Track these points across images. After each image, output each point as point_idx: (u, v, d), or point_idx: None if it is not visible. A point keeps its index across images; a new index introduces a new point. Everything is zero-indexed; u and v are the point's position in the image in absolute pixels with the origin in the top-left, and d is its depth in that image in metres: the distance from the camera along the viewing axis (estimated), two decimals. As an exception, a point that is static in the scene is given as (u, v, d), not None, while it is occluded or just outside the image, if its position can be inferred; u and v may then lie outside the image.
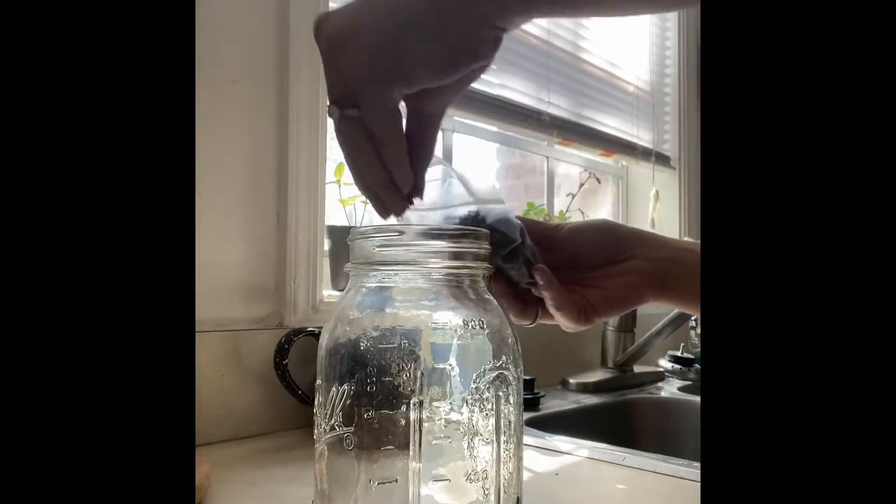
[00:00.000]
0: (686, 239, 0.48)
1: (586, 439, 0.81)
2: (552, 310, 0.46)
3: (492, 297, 0.43)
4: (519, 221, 0.46)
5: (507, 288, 0.46)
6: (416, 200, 0.43)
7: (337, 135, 0.41)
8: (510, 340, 0.42)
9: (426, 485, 0.39)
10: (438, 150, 0.44)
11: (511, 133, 1.34)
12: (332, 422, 0.40)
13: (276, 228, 0.84)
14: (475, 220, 0.45)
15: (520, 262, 0.45)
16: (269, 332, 0.80)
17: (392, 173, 0.41)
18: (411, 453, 0.39)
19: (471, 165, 1.37)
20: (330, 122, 0.41)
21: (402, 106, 0.41)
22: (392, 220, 0.43)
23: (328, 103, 0.40)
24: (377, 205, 0.43)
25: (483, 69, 0.41)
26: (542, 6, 0.39)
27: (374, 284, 0.42)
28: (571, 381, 1.16)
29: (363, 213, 0.97)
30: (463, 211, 0.45)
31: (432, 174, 0.45)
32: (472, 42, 0.38)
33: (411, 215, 0.44)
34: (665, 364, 1.35)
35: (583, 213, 1.45)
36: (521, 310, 0.47)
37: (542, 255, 0.46)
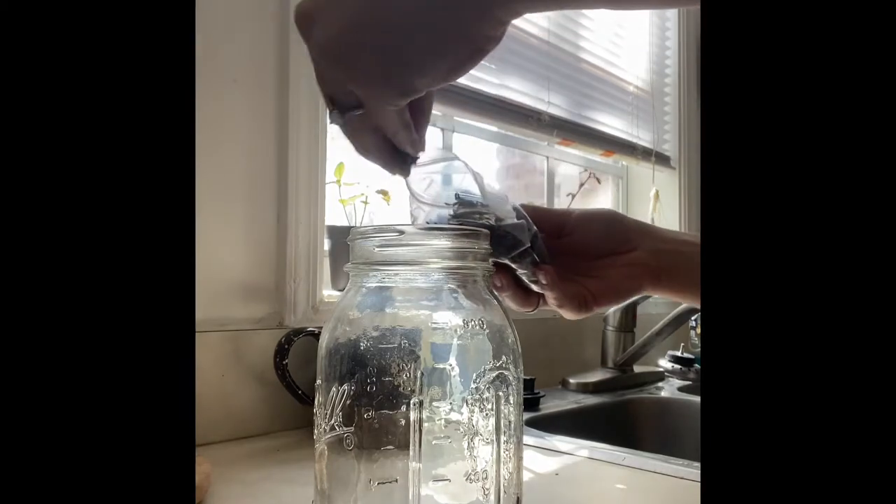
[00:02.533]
0: (688, 232, 0.50)
1: (586, 439, 0.81)
2: (553, 306, 0.48)
3: (492, 297, 0.44)
4: (529, 223, 0.47)
5: (510, 280, 0.48)
6: (424, 185, 0.46)
7: (343, 130, 0.42)
8: (510, 340, 0.42)
9: (426, 485, 0.39)
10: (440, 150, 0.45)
11: (511, 133, 1.33)
12: (332, 422, 0.40)
13: (276, 228, 0.84)
14: (489, 227, 0.46)
15: (527, 262, 0.47)
16: (269, 332, 0.80)
17: (403, 149, 0.43)
18: (411, 453, 0.39)
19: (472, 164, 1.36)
20: (328, 121, 0.42)
21: None
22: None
23: (329, 108, 0.40)
24: (386, 168, 0.45)
25: None
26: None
27: (374, 284, 0.42)
28: (571, 381, 1.16)
29: (363, 213, 0.97)
30: (481, 219, 0.47)
31: (446, 168, 0.47)
32: (478, 42, 0.36)
33: (421, 212, 0.46)
34: (665, 364, 1.35)
35: (583, 213, 1.45)
36: (524, 299, 0.49)
37: (551, 241, 0.48)
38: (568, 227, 0.50)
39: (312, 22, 0.37)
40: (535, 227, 0.47)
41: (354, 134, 0.42)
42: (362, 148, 0.43)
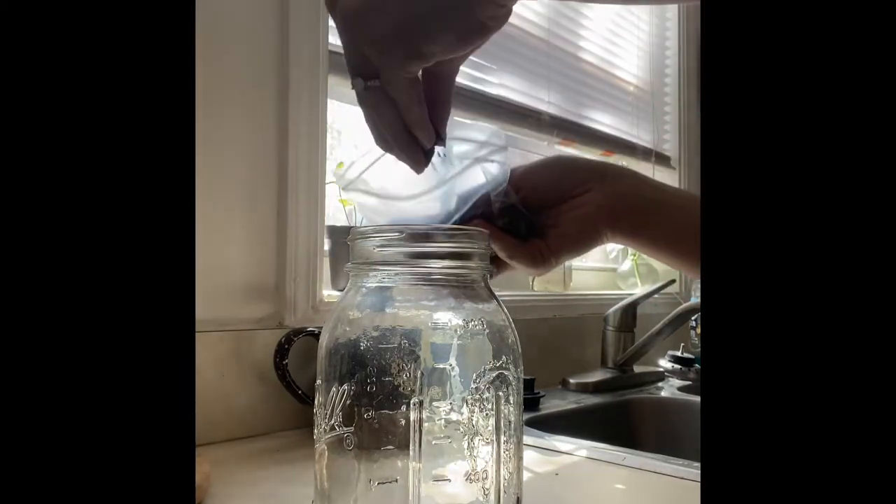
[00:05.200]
0: (670, 185, 0.49)
1: (586, 439, 0.81)
2: (507, 260, 0.48)
3: (492, 297, 0.43)
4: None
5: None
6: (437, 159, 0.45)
7: (360, 102, 0.42)
8: (510, 340, 0.42)
9: (426, 485, 0.39)
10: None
11: (511, 133, 1.33)
12: (332, 422, 0.40)
13: (276, 228, 0.84)
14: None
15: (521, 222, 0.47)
16: (269, 332, 0.80)
17: (416, 134, 0.42)
18: (411, 453, 0.39)
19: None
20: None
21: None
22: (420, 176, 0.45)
23: (351, 76, 0.42)
24: (403, 160, 0.44)
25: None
26: None
27: (374, 284, 0.42)
28: (571, 381, 1.16)
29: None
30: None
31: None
32: (482, 19, 0.38)
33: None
34: (665, 364, 1.34)
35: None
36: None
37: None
38: (511, 184, 0.49)
39: (335, 3, 0.39)
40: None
41: (373, 111, 0.42)
42: (380, 138, 0.43)
